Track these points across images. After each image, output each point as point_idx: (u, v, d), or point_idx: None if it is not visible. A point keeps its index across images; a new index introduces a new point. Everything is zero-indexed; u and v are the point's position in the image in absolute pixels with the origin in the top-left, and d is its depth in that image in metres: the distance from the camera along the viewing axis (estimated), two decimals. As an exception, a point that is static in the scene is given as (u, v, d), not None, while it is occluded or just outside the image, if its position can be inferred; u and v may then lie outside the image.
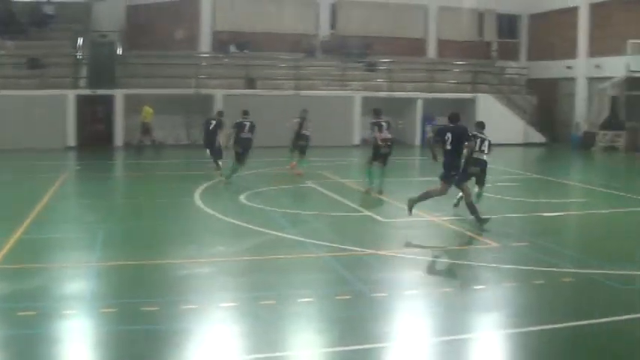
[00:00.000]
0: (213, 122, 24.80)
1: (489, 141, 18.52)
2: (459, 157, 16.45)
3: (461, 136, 16.31)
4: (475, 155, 17.81)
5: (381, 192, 21.27)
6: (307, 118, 25.89)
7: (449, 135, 16.16)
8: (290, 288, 11.48)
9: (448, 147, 16.11)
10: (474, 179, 18.29)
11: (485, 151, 18.21)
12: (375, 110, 23.06)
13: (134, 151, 33.57)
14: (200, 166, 26.50)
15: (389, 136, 21.82)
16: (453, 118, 16.71)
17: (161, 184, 24.50)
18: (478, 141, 17.97)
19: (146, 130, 34.39)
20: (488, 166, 18.60)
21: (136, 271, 12.48)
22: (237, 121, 23.39)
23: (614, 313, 10.31)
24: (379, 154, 21.54)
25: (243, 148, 23.13)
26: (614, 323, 9.96)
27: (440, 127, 17.41)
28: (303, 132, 25.60)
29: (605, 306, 10.87)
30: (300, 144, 25.61)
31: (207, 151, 25.14)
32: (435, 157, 16.83)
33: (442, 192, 16.55)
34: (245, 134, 23.10)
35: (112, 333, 9.35)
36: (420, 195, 16.64)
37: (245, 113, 23.76)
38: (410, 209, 16.52)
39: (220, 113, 25.91)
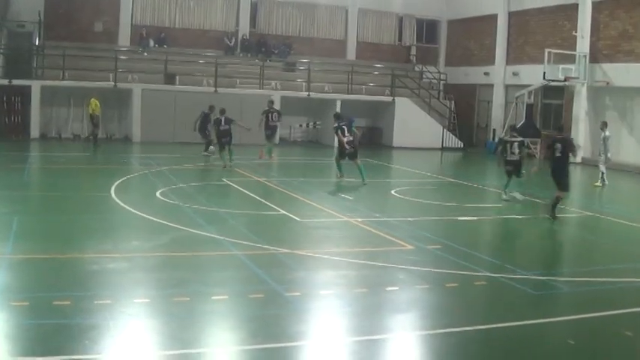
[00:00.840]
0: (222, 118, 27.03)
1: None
2: (567, 164, 18.91)
3: (568, 146, 18.71)
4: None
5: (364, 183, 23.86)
6: (273, 109, 30.59)
7: (558, 145, 18.45)
8: (204, 285, 11.39)
9: (558, 155, 18.48)
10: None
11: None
12: (335, 115, 26.76)
13: (91, 144, 33.00)
14: (117, 160, 26.19)
15: (351, 138, 24.40)
16: (560, 128, 20.43)
17: (77, 177, 24.09)
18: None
19: (96, 122, 33.73)
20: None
21: (49, 265, 12.23)
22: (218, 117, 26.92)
23: (524, 317, 10.49)
24: (344, 154, 24.50)
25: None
26: (525, 327, 10.13)
27: (552, 138, 19.57)
28: (271, 123, 30.17)
29: (516, 310, 11.05)
30: (266, 133, 29.93)
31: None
32: (499, 164, 22.59)
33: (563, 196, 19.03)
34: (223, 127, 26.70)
35: (23, 326, 9.15)
36: (553, 202, 18.74)
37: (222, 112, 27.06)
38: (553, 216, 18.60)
39: (212, 108, 29.01)
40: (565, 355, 9.41)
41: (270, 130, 30.33)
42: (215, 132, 27.17)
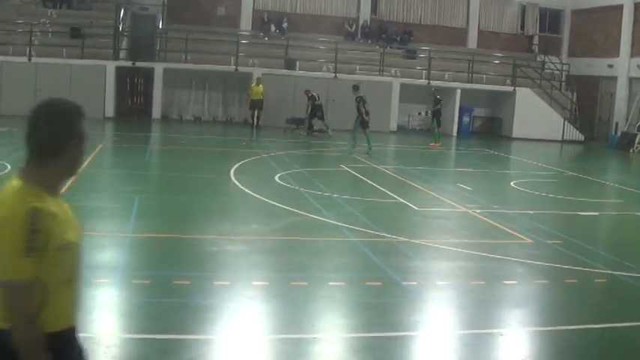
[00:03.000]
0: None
1: None
2: None
3: None
4: None
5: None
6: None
7: None
8: (321, 271, 11.48)
9: None
10: None
11: None
12: (354, 86, 28.30)
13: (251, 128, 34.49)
14: (237, 143, 26.57)
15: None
16: None
17: (198, 159, 24.55)
18: None
19: (258, 106, 34.76)
20: None
21: (170, 244, 12.53)
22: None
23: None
24: (367, 124, 26.91)
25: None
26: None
27: None
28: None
29: (637, 310, 10.76)
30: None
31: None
32: None
33: None
34: None
35: (143, 305, 9.40)
36: None
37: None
38: None
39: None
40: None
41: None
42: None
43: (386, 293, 10.50)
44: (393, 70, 39.73)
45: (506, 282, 11.63)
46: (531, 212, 17.70)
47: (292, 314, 9.39)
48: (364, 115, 26.38)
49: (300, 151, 27.06)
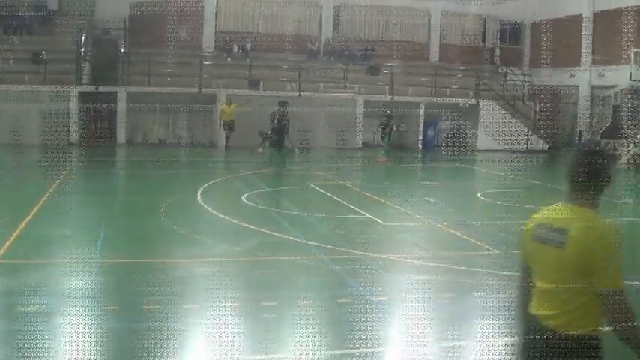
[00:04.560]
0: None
1: None
2: None
3: None
4: None
5: None
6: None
7: None
8: (291, 289, 11.41)
9: None
10: None
11: None
12: (281, 102, 30.33)
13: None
14: (203, 165, 26.46)
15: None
16: None
17: (163, 183, 24.41)
18: None
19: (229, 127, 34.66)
20: None
21: (138, 269, 12.42)
22: None
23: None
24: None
25: None
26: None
27: None
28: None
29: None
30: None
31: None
32: None
33: None
34: None
35: (114, 330, 9.31)
36: None
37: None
38: None
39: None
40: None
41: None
42: None
43: (356, 309, 10.46)
44: (356, 87, 39.82)
45: (477, 293, 11.62)
46: (498, 223, 17.81)
47: (263, 334, 9.34)
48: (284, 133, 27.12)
49: (267, 170, 26.99)
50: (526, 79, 46.21)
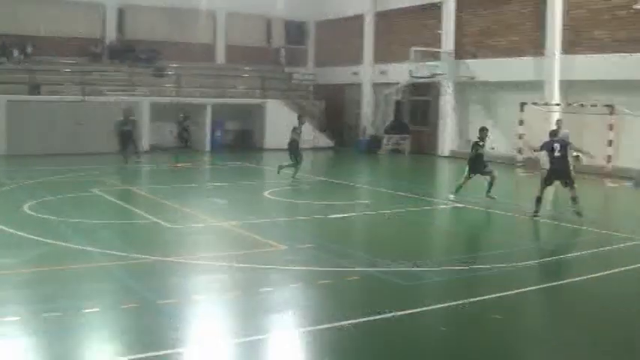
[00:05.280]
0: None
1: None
2: (568, 163, 18.92)
3: (567, 145, 18.98)
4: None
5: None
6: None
7: (557, 145, 18.75)
8: (75, 299, 11.09)
9: (557, 154, 18.64)
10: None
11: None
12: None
13: None
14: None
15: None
16: (554, 133, 19.75)
17: None
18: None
19: None
20: None
21: None
22: None
23: (397, 309, 10.61)
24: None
25: None
26: (398, 318, 10.28)
27: (546, 141, 19.39)
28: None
29: (388, 302, 11.17)
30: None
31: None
32: None
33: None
34: None
35: None
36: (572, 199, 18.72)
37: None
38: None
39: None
40: (438, 341, 9.69)
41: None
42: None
43: (143, 314, 10.31)
44: (141, 90, 39.25)
45: (262, 289, 11.75)
46: (284, 219, 18.13)
47: (46, 347, 9.04)
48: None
49: (51, 178, 26.13)
50: (311, 79, 47.08)
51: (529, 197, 20.13)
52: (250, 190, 24.67)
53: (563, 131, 24.96)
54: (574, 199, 18.62)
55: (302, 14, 48.67)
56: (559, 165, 18.71)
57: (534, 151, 21.02)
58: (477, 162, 21.23)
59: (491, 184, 21.27)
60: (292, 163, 26.35)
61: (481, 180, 21.51)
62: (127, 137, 28.04)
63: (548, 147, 19.06)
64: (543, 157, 20.43)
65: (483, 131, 21.59)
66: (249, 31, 47.27)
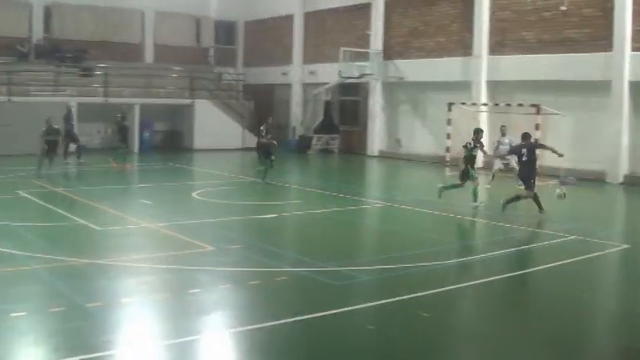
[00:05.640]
0: None
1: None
2: (534, 167, 19.62)
3: (534, 150, 19.59)
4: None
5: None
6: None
7: (524, 150, 19.29)
8: (1, 303, 10.94)
9: (524, 159, 19.26)
10: None
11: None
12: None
13: None
14: None
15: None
16: (526, 136, 19.97)
17: None
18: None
19: None
20: None
21: None
22: None
23: (326, 308, 10.70)
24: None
25: None
26: (327, 317, 10.36)
27: (514, 146, 20.60)
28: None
29: (317, 302, 11.26)
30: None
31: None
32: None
33: (529, 195, 19.37)
34: None
35: None
36: (511, 198, 19.52)
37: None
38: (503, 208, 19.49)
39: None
40: (367, 340, 9.75)
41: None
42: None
43: (71, 318, 10.17)
44: (68, 90, 38.68)
45: (192, 291, 11.71)
46: (213, 220, 18.09)
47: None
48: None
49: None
50: (240, 78, 47.00)
51: (457, 196, 20.44)
52: (179, 192, 24.54)
53: (509, 137, 25.57)
54: (518, 199, 19.42)
55: (231, 14, 48.59)
56: (524, 170, 19.43)
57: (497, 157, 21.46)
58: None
59: (454, 187, 21.31)
60: (262, 166, 26.29)
61: (417, 178, 21.67)
62: (53, 146, 27.45)
63: (517, 151, 19.78)
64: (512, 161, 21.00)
65: (478, 133, 21.07)
66: (178, 31, 46.95)
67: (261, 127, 26.74)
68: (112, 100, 38.04)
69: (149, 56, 45.84)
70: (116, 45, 44.18)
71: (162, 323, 10.22)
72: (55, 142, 27.07)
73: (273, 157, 26.07)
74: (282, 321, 10.08)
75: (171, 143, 41.10)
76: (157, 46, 46.13)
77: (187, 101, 41.09)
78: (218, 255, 14.28)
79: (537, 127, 27.56)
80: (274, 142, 26.79)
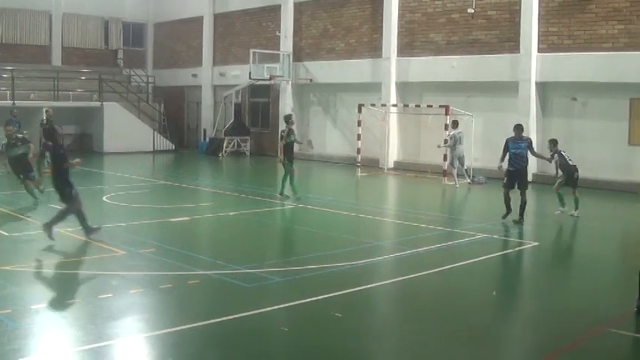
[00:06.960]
0: None
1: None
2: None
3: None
4: None
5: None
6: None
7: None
8: None
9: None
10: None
11: None
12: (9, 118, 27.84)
13: None
14: None
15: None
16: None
17: None
18: None
19: None
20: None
21: None
22: None
23: (239, 311, 10.77)
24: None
25: None
26: (240, 320, 10.42)
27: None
28: None
29: (230, 304, 11.29)
30: None
31: None
32: None
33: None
34: None
35: None
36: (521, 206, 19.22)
37: None
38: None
39: None
40: (280, 341, 9.86)
41: None
42: None
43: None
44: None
45: (102, 296, 11.59)
46: (124, 224, 17.93)
47: None
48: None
49: None
50: (150, 81, 46.63)
51: (369, 196, 20.66)
52: (89, 196, 24.12)
53: (457, 131, 26.28)
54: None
55: (140, 16, 48.27)
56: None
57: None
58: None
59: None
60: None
61: (331, 179, 21.75)
62: None
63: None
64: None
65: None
66: (87, 33, 46.45)
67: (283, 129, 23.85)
68: (20, 103, 37.20)
69: (57, 58, 45.14)
70: (23, 47, 43.48)
71: (73, 329, 10.08)
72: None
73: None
74: (194, 324, 10.09)
75: (80, 146, 40.52)
76: (64, 48, 45.51)
77: (96, 104, 40.57)
78: (130, 259, 14.20)
79: (446, 127, 28.01)
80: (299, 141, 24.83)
